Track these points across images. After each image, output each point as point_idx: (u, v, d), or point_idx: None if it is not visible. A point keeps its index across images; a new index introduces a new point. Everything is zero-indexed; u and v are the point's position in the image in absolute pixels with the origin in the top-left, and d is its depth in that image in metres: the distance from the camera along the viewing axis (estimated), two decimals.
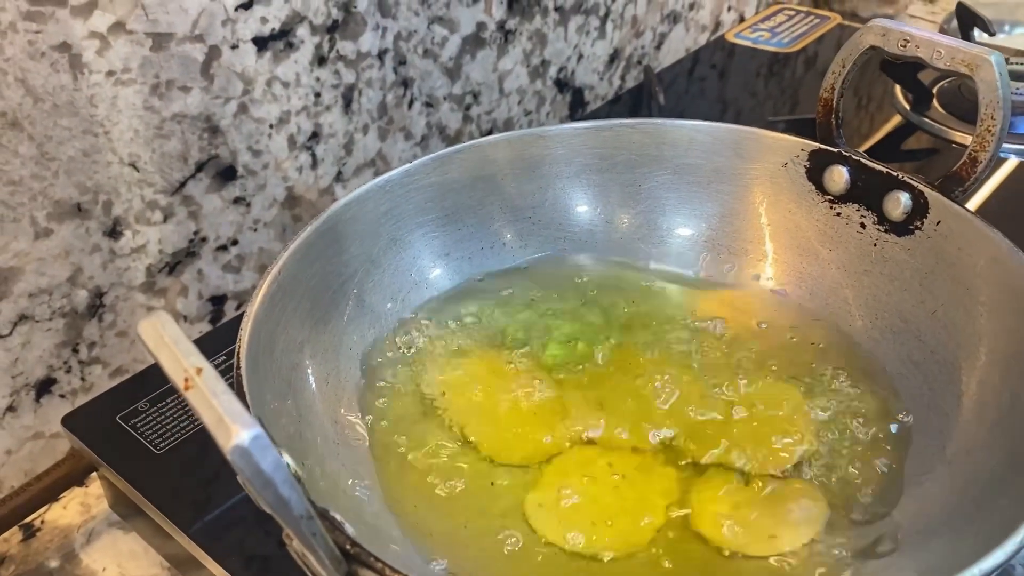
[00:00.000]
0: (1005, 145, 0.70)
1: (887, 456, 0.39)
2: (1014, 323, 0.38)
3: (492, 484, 0.38)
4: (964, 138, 0.71)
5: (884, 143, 0.74)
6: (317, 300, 0.42)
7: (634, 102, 0.84)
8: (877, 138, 0.74)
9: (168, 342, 0.26)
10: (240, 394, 0.33)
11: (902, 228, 0.44)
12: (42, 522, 0.53)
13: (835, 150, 0.47)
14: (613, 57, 0.86)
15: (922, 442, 0.39)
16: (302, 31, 0.59)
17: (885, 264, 0.45)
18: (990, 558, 0.27)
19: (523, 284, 0.48)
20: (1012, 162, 0.69)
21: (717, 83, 0.85)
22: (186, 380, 0.25)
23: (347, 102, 0.64)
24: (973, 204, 0.63)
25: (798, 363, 0.44)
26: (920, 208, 0.43)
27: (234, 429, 0.24)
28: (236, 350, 0.35)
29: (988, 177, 0.42)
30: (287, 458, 0.32)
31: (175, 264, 0.58)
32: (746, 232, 0.50)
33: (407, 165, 0.46)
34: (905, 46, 0.44)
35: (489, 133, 0.77)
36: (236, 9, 0.55)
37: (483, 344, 0.45)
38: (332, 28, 0.61)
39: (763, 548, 0.35)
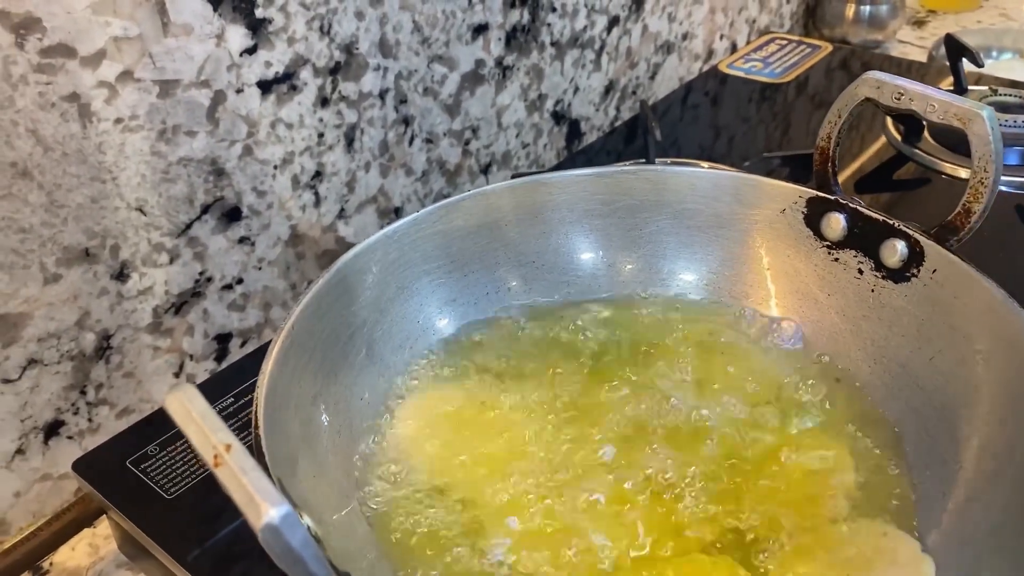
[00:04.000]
0: None
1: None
2: (1010, 372, 0.39)
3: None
4: (955, 170, 0.73)
5: (876, 173, 0.75)
6: (328, 352, 0.42)
7: (629, 132, 0.85)
8: (866, 159, 0.76)
9: (196, 417, 0.27)
10: (259, 456, 0.33)
11: (899, 275, 0.45)
12: (51, 564, 0.53)
13: (832, 198, 0.48)
14: (608, 88, 0.88)
15: (923, 491, 0.40)
16: (305, 74, 0.60)
17: (883, 310, 0.46)
18: None
19: (527, 329, 0.49)
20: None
21: (710, 112, 0.86)
22: (215, 457, 0.26)
23: (349, 141, 0.65)
24: None
25: (803, 406, 0.45)
26: (916, 256, 0.45)
27: (264, 508, 0.25)
28: (254, 410, 0.36)
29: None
30: (307, 519, 0.33)
31: (181, 304, 0.59)
32: (747, 276, 0.51)
33: (414, 215, 0.47)
34: (899, 99, 0.45)
35: (488, 167, 0.78)
36: (241, 55, 0.56)
37: (489, 391, 0.45)
38: (335, 70, 0.62)
39: None
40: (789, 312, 0.49)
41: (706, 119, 0.85)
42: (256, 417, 0.35)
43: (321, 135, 0.63)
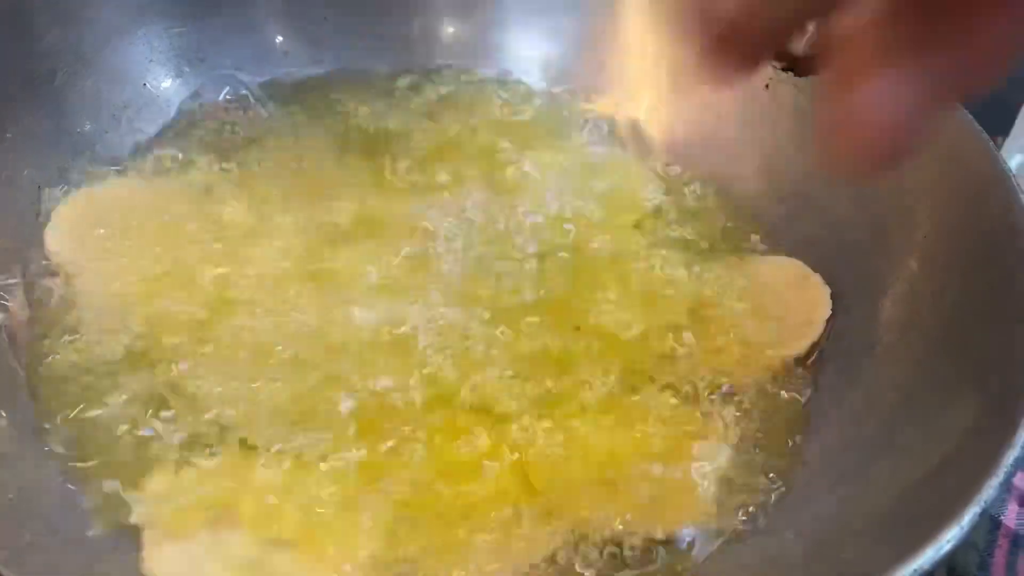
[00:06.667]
0: None
1: None
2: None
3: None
4: None
5: None
6: None
7: None
8: None
9: None
10: None
11: (804, 66, 0.33)
12: None
13: None
14: None
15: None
16: None
17: (780, 111, 0.34)
18: None
19: (286, 105, 0.35)
20: None
21: None
22: None
23: None
24: None
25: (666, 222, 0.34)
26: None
27: None
28: None
29: None
30: None
31: None
32: (609, 62, 0.37)
33: None
34: None
35: None
36: None
37: (215, 185, 0.32)
38: None
39: None
40: (661, 115, 0.36)
41: None
42: None
43: None
